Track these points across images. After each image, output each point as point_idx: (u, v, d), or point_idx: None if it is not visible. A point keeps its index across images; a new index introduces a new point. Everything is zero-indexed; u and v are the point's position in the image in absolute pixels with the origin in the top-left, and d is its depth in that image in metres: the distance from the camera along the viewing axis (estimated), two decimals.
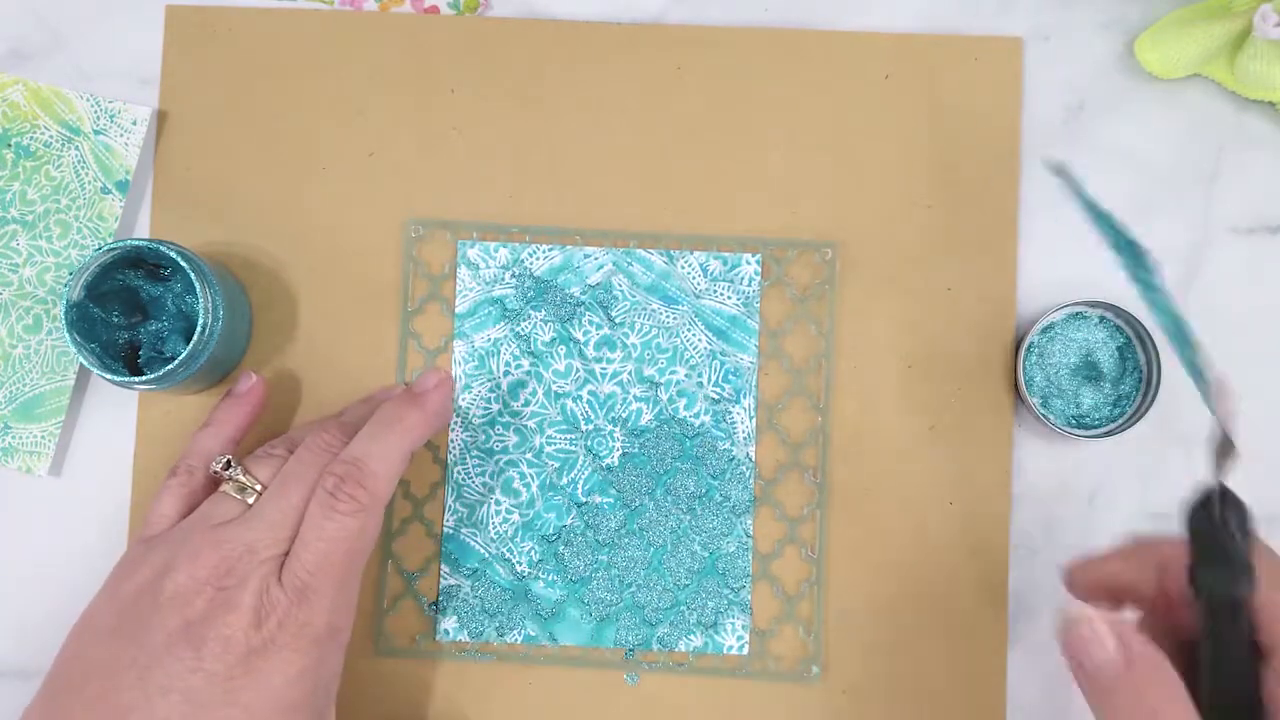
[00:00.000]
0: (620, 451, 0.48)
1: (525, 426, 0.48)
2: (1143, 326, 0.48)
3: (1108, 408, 0.50)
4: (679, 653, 0.47)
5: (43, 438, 0.49)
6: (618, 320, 0.48)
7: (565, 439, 0.48)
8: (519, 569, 0.48)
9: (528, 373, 0.48)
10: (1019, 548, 0.50)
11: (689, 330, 0.48)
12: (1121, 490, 0.50)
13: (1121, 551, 0.38)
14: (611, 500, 0.48)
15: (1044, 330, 0.50)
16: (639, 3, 0.52)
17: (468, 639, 0.48)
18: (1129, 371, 0.50)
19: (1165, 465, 0.50)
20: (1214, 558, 0.34)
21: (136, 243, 0.44)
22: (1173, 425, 0.50)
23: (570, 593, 0.48)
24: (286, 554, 0.39)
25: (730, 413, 0.48)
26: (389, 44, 0.51)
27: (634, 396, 0.48)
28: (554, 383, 0.48)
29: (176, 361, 0.44)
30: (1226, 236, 0.51)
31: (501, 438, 0.48)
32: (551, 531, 0.48)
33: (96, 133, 0.50)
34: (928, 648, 0.49)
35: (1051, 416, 0.49)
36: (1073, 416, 0.50)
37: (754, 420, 0.48)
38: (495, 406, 0.48)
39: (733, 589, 0.48)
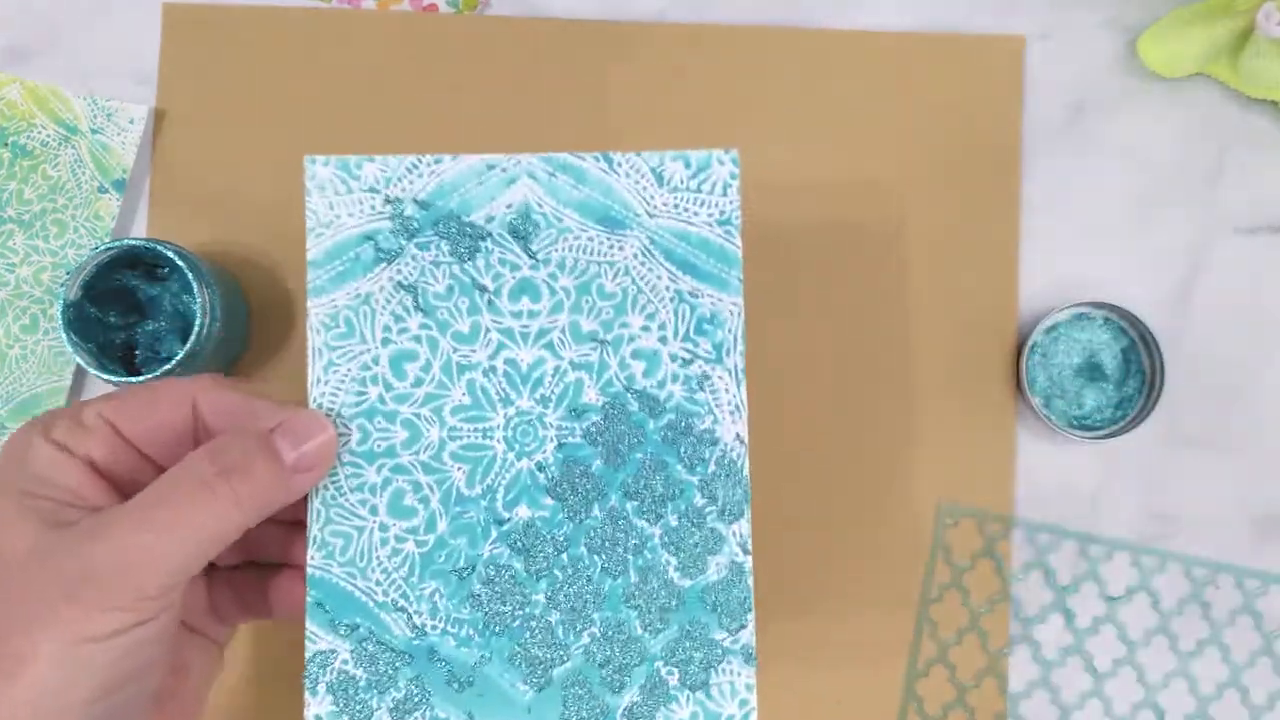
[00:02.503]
0: (555, 443, 0.35)
1: (418, 415, 0.35)
2: (1146, 329, 0.48)
3: (1110, 409, 0.50)
4: None
5: None
6: (541, 256, 0.35)
7: (475, 430, 0.35)
8: (418, 620, 0.34)
9: (416, 338, 0.35)
10: (1021, 549, 0.49)
11: (643, 264, 0.36)
12: (1123, 492, 0.50)
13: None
14: (547, 514, 0.35)
15: (1048, 330, 0.49)
16: (639, 2, 0.52)
17: None
18: (1132, 373, 0.49)
19: (1167, 467, 0.50)
20: None
21: (133, 242, 0.44)
22: (1175, 428, 0.50)
23: (494, 651, 0.34)
24: None
25: (710, 377, 0.35)
26: (388, 42, 0.51)
27: (570, 363, 0.35)
28: (455, 350, 0.35)
29: (173, 362, 0.44)
30: (1230, 236, 0.51)
31: (385, 433, 0.35)
32: (463, 563, 0.35)
33: (94, 131, 0.50)
34: (929, 650, 0.49)
35: (1053, 417, 0.49)
36: (1075, 417, 0.50)
37: (743, 387, 0.35)
38: (374, 390, 0.35)
39: (729, 630, 0.35)
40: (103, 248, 0.44)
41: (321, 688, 0.34)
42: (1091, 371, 0.50)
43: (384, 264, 0.35)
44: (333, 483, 0.34)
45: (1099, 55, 0.52)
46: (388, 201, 0.35)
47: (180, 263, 0.44)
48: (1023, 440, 0.50)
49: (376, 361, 0.35)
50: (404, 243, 0.35)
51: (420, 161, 0.35)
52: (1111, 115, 0.51)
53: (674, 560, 0.35)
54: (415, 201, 0.35)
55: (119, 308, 0.47)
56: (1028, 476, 0.50)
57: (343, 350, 0.35)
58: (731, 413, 0.35)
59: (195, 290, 0.44)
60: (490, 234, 0.35)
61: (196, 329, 0.44)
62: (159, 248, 0.44)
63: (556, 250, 0.36)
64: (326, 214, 0.35)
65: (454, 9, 0.51)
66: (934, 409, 0.50)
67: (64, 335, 0.44)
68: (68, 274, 0.45)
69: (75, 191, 0.50)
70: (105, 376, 0.44)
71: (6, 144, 0.50)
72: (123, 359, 0.47)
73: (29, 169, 0.50)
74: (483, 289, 0.35)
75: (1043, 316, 0.48)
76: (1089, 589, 0.49)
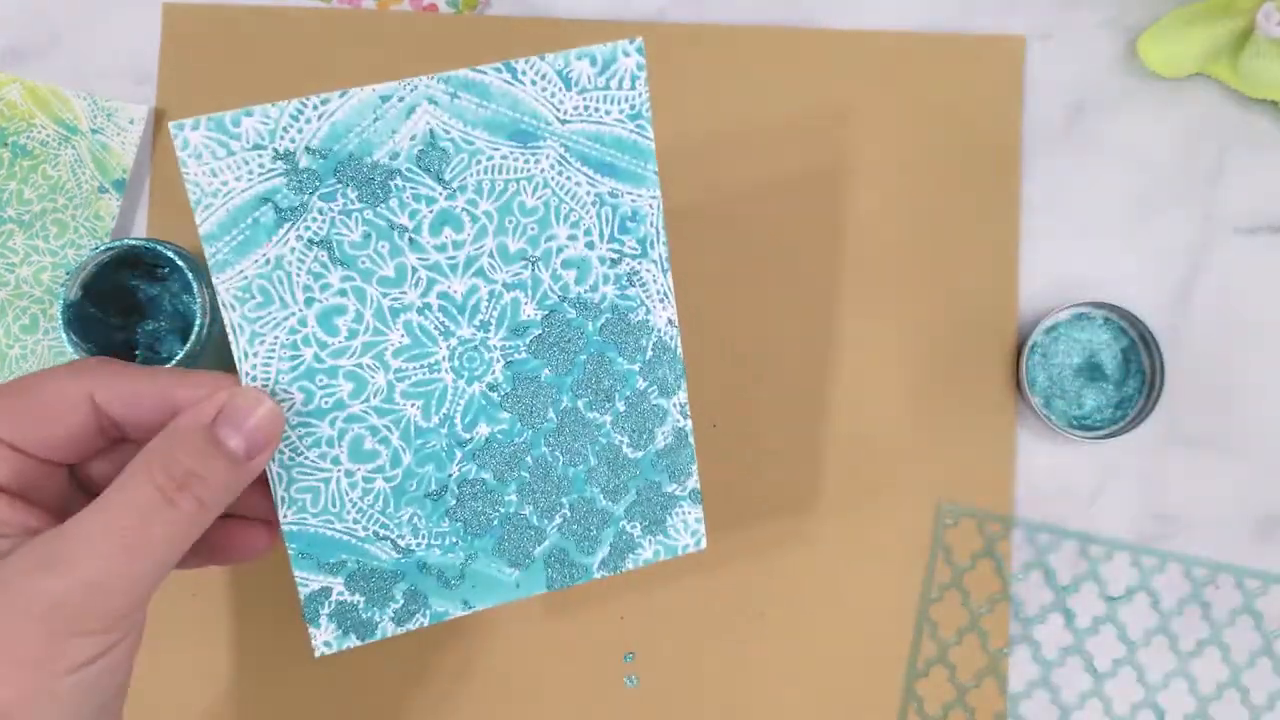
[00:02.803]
0: (503, 363, 0.36)
1: (359, 366, 0.34)
2: (1146, 328, 0.48)
3: (1110, 409, 0.50)
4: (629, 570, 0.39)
5: None
6: (456, 184, 0.34)
7: (420, 367, 0.35)
8: (402, 543, 0.36)
9: (341, 291, 0.34)
10: (1021, 549, 0.49)
11: (560, 174, 0.35)
12: (1123, 492, 0.50)
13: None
14: (505, 426, 0.36)
15: (1048, 330, 0.49)
16: (639, 2, 0.52)
17: (357, 641, 0.36)
18: (1132, 373, 0.49)
19: (1167, 467, 0.50)
20: None
21: (133, 242, 0.44)
22: (1175, 428, 0.50)
23: (478, 549, 0.36)
24: None
25: (638, 272, 0.36)
26: (388, 42, 0.51)
27: (504, 284, 0.35)
28: (385, 296, 0.34)
29: (173, 362, 0.44)
30: (1230, 236, 0.51)
31: (329, 389, 0.34)
32: (434, 487, 0.36)
33: (94, 131, 0.50)
34: (929, 649, 0.49)
35: (1053, 417, 0.49)
36: (1075, 417, 0.50)
37: (668, 274, 0.36)
38: (308, 351, 0.34)
39: (678, 482, 0.38)
40: (103, 248, 0.44)
41: (323, 619, 0.35)
42: (1091, 371, 0.50)
43: (288, 224, 0.33)
44: (287, 446, 0.34)
45: (1099, 55, 0.52)
46: (278, 157, 0.33)
47: (180, 263, 0.44)
48: (1023, 440, 0.50)
49: (304, 323, 0.34)
50: (306, 198, 0.33)
51: (305, 105, 0.33)
52: (1111, 115, 0.51)
53: (626, 439, 0.37)
54: (309, 150, 0.33)
55: (119, 308, 0.47)
56: (1028, 476, 0.50)
57: (265, 319, 0.33)
58: (660, 300, 0.36)
59: (195, 290, 0.44)
60: (399, 171, 0.34)
61: (196, 329, 0.44)
62: (159, 248, 0.44)
63: (471, 175, 0.34)
64: (210, 182, 0.32)
65: (454, 9, 0.51)
66: (934, 409, 0.50)
67: (64, 335, 0.44)
68: (68, 274, 0.45)
69: (75, 191, 0.50)
70: None
71: (6, 144, 0.50)
72: (122, 359, 0.47)
73: (29, 169, 0.50)
74: (401, 229, 0.34)
75: (1043, 316, 0.48)
76: (1089, 589, 0.49)
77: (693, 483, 0.38)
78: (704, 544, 0.38)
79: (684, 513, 0.38)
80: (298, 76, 0.51)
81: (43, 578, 0.28)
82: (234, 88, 0.51)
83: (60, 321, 0.44)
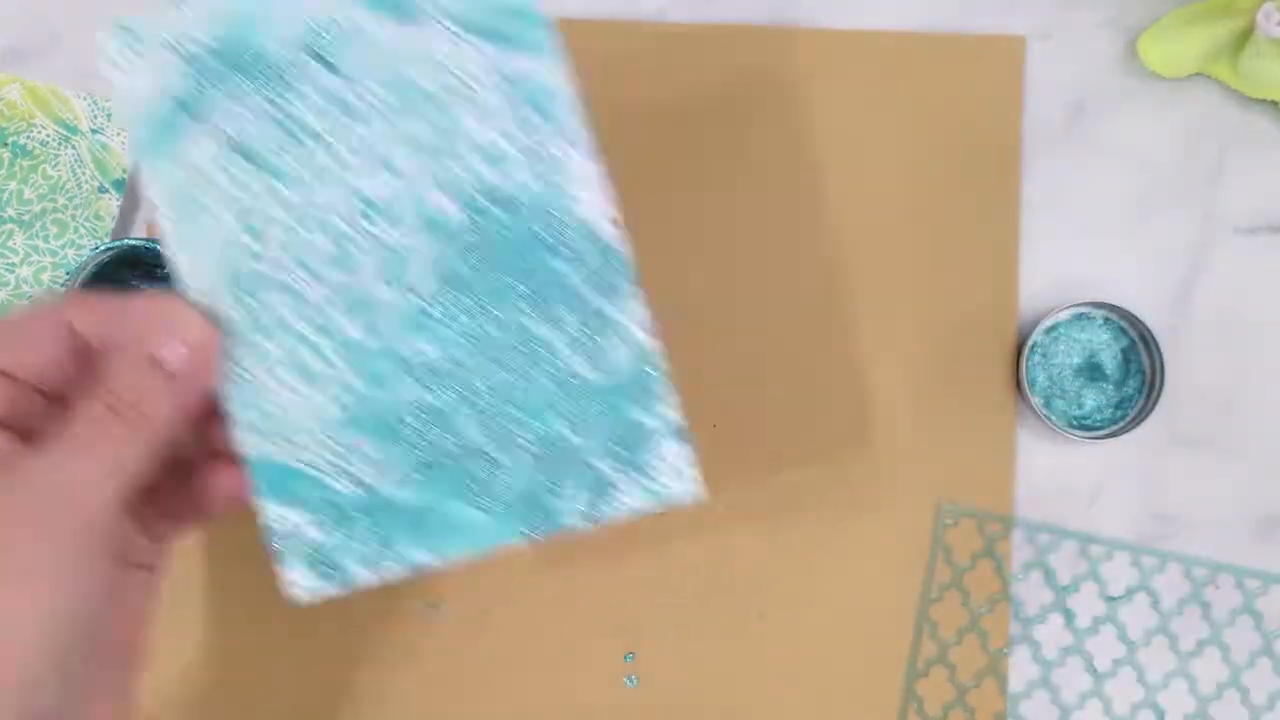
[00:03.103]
0: (430, 266, 0.34)
1: (293, 279, 0.34)
2: (1147, 328, 0.48)
3: (1110, 409, 0.50)
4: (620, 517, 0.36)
5: None
6: (348, 73, 0.33)
7: (349, 275, 0.34)
8: (363, 478, 0.35)
9: (262, 197, 0.34)
10: (1021, 549, 0.49)
11: (455, 49, 0.33)
12: (1123, 492, 0.50)
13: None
14: (447, 341, 0.35)
15: (1048, 330, 0.49)
16: (639, 2, 0.52)
17: (336, 588, 0.35)
18: (1132, 373, 0.49)
19: (1167, 467, 0.50)
20: None
21: (133, 242, 0.44)
22: (1175, 428, 0.50)
23: (444, 491, 0.35)
24: None
25: (556, 157, 0.34)
26: None
27: (416, 179, 0.34)
28: (305, 200, 0.34)
29: None
30: (1230, 236, 0.51)
31: (267, 305, 0.34)
32: (386, 413, 0.35)
33: (94, 131, 0.50)
34: (929, 649, 0.49)
35: (1053, 417, 0.49)
36: (1075, 417, 0.50)
37: (594, 161, 0.34)
38: (242, 263, 0.35)
39: (652, 412, 0.35)
40: (103, 248, 0.44)
41: (289, 558, 0.35)
42: (1091, 371, 0.50)
43: (194, 120, 0.34)
44: (237, 362, 0.34)
45: (1099, 55, 0.52)
46: (183, 55, 0.34)
47: None
48: (1023, 440, 0.50)
49: (233, 231, 0.34)
50: (209, 93, 0.33)
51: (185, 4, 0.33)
52: (1111, 115, 0.51)
53: (579, 356, 0.35)
54: (200, 46, 0.34)
55: None
56: (1028, 476, 0.50)
57: (195, 230, 0.34)
58: (585, 188, 0.34)
59: None
60: (294, 62, 0.33)
61: None
62: (159, 248, 0.44)
63: (363, 61, 0.33)
64: (135, 83, 0.34)
65: None
66: (934, 409, 0.50)
67: None
68: (68, 274, 0.45)
69: (75, 191, 0.50)
70: None
71: (6, 144, 0.50)
72: None
73: (29, 169, 0.50)
74: (313, 133, 0.34)
75: (1043, 316, 0.48)
76: (1089, 589, 0.49)
77: (670, 414, 0.35)
78: (700, 493, 0.35)
79: (666, 451, 0.35)
80: None
81: (19, 489, 0.30)
82: None
83: None
